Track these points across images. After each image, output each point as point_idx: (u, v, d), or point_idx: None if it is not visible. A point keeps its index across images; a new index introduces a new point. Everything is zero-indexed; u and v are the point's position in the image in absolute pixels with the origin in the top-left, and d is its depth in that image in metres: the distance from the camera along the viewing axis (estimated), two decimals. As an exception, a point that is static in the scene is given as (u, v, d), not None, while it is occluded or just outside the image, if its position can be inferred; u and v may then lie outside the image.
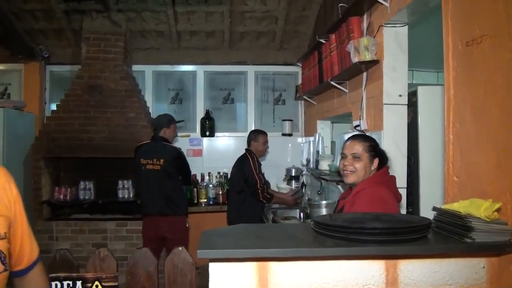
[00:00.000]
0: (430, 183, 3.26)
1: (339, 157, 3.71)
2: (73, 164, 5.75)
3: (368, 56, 3.22)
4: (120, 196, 5.56)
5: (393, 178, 2.57)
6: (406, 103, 3.22)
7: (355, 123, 3.56)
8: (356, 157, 2.46)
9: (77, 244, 5.20)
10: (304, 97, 5.36)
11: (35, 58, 5.80)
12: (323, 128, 5.31)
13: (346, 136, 3.57)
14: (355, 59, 3.29)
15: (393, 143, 3.19)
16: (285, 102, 6.22)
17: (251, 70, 6.12)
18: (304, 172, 5.25)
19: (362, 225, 1.71)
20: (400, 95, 3.20)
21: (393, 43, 3.20)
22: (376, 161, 2.50)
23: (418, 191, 3.31)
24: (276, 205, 4.99)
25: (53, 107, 5.49)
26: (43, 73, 5.93)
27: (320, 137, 4.81)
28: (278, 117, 6.17)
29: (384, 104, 3.18)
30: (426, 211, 3.42)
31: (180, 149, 4.49)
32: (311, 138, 5.14)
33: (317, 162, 4.67)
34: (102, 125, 5.27)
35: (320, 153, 4.71)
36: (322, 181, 4.83)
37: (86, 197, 5.54)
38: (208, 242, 1.62)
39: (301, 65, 5.58)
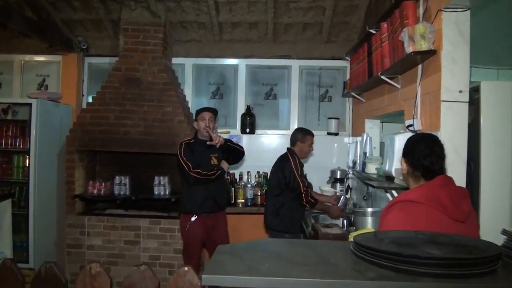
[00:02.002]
0: (493, 195, 2.84)
1: (387, 161, 3.35)
2: (109, 159, 5.60)
3: (424, 46, 2.82)
4: (156, 192, 5.36)
5: (431, 205, 1.99)
6: (467, 100, 2.79)
7: (407, 122, 3.16)
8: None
9: (108, 240, 5.05)
10: (352, 93, 4.96)
11: (73, 49, 5.68)
12: (372, 127, 4.90)
13: (398, 138, 3.20)
14: (409, 49, 2.89)
15: (451, 147, 2.77)
16: (331, 99, 5.83)
17: (295, 65, 5.76)
18: (349, 175, 4.86)
19: (415, 251, 1.35)
20: (460, 91, 2.78)
21: (453, 31, 2.80)
22: (403, 162, 2.20)
23: (478, 205, 2.88)
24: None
25: (91, 99, 5.33)
26: (81, 65, 5.80)
27: (368, 138, 4.44)
28: (323, 115, 5.79)
29: (442, 101, 2.78)
30: (488, 231, 2.99)
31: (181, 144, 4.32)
32: (359, 138, 4.76)
33: (364, 164, 4.29)
34: (138, 119, 5.07)
35: (367, 155, 4.32)
36: (368, 185, 4.45)
37: (121, 193, 5.37)
38: (218, 264, 1.31)
39: (349, 59, 5.19)
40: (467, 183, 2.84)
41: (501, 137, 2.75)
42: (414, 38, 2.85)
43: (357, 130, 5.34)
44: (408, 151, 2.17)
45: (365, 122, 4.91)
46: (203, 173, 4.13)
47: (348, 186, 5.10)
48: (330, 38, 5.55)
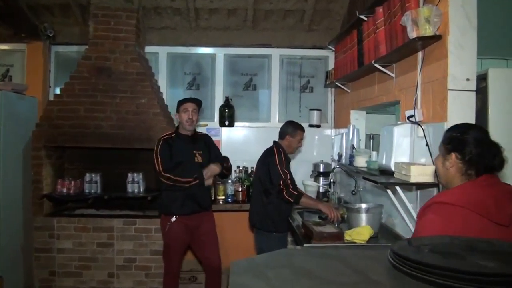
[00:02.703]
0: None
1: (384, 154, 3.15)
2: (79, 155, 5.24)
3: (429, 30, 2.62)
4: (130, 190, 5.04)
5: (482, 210, 1.75)
6: (475, 89, 2.61)
7: (408, 113, 2.95)
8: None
9: (80, 243, 4.71)
10: (337, 83, 4.75)
11: (39, 37, 5.23)
12: (358, 119, 4.71)
13: (396, 129, 3.00)
14: (412, 34, 2.68)
15: (459, 139, 2.58)
16: (313, 90, 5.61)
17: (276, 54, 5.51)
18: (336, 169, 4.66)
19: (477, 268, 1.13)
20: (467, 79, 2.60)
21: (460, 14, 2.60)
22: (452, 157, 1.89)
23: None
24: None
25: (58, 91, 4.95)
26: (47, 54, 5.37)
27: (356, 129, 4.23)
28: (305, 106, 5.57)
29: (449, 90, 2.59)
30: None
31: (159, 140, 4.04)
32: (344, 130, 4.56)
33: (351, 157, 4.09)
34: (110, 112, 4.74)
35: (355, 147, 4.13)
36: (357, 179, 4.26)
37: (92, 191, 5.03)
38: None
39: (333, 48, 4.97)
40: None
41: (510, 127, 2.58)
42: (418, 22, 2.64)
43: (340, 121, 5.15)
44: (465, 146, 1.87)
45: (350, 113, 4.71)
46: (175, 178, 3.81)
47: (331, 180, 4.91)
48: (312, 26, 5.32)
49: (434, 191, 2.66)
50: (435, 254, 1.28)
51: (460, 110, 2.58)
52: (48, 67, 5.42)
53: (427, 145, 2.76)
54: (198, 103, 4.08)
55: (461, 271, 1.09)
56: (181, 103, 4.03)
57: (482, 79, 2.73)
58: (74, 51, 5.35)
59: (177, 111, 4.05)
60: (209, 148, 4.14)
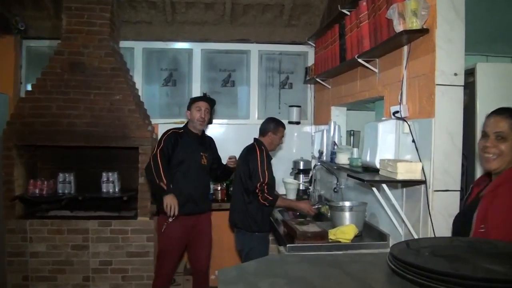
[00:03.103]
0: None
1: (369, 151, 3.07)
2: (52, 154, 5.03)
3: (416, 24, 2.54)
4: (105, 190, 4.87)
5: None
6: (463, 84, 2.55)
7: (393, 109, 2.88)
8: (501, 137, 1.86)
9: (54, 246, 4.52)
10: (317, 79, 4.66)
11: (10, 31, 5.00)
12: (338, 115, 4.63)
13: (381, 125, 2.93)
14: (399, 27, 2.60)
15: (447, 136, 2.54)
16: (292, 86, 5.52)
17: (254, 49, 5.40)
18: (317, 166, 4.58)
19: (488, 274, 1.04)
20: (455, 74, 2.53)
21: (448, 7, 2.54)
22: None
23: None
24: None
25: (30, 87, 4.74)
26: (18, 49, 5.14)
27: (337, 126, 4.15)
28: (284, 103, 5.48)
29: (437, 85, 2.52)
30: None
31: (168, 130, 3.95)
32: (324, 127, 4.48)
33: (333, 154, 4.01)
34: (84, 109, 4.56)
35: (337, 144, 4.05)
36: (338, 177, 4.19)
37: (66, 192, 4.84)
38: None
39: (313, 43, 4.89)
40: (461, 174, 2.60)
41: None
42: (405, 16, 2.56)
43: (320, 118, 5.07)
44: None
45: (331, 109, 4.63)
46: (156, 167, 3.69)
47: (312, 177, 4.84)
48: (291, 21, 5.22)
49: (422, 188, 2.59)
50: (437, 257, 1.20)
51: (448, 106, 2.52)
52: (19, 63, 5.19)
53: (413, 141, 2.69)
54: (211, 103, 4.02)
55: (473, 278, 1.00)
56: (194, 100, 3.95)
57: (469, 73, 2.67)
58: (46, 45, 5.14)
59: (189, 108, 3.95)
60: (212, 151, 4.07)
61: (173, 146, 3.79)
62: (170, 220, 3.73)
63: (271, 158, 3.87)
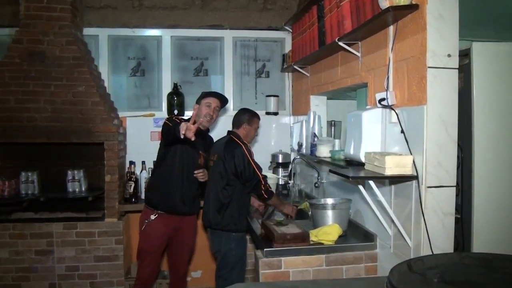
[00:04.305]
0: (488, 180, 2.36)
1: (352, 143, 2.80)
2: (12, 151, 4.65)
3: None
4: (70, 190, 4.55)
5: None
6: (457, 66, 2.28)
7: (378, 96, 2.60)
8: None
9: (16, 252, 4.18)
10: (295, 67, 4.37)
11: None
12: (318, 105, 4.36)
13: (365, 115, 2.65)
14: (385, 3, 2.32)
15: (441, 124, 2.27)
16: (269, 75, 5.22)
17: (228, 36, 5.07)
18: (296, 160, 4.30)
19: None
20: (449, 55, 2.26)
21: (438, -21, 2.25)
22: None
23: (471, 192, 2.41)
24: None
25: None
26: (-25, 39, 4.74)
27: (317, 116, 3.88)
28: (261, 93, 5.18)
29: (429, 67, 2.25)
30: (481, 220, 2.55)
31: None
32: (303, 118, 4.21)
33: (313, 147, 3.74)
34: (44, 102, 4.20)
35: (317, 135, 3.78)
36: (319, 171, 3.92)
37: (29, 192, 4.50)
38: None
39: (290, 29, 4.59)
40: (457, 167, 2.34)
41: (498, 109, 2.28)
42: (391, -10, 2.28)
43: (299, 108, 4.79)
44: None
45: (310, 99, 4.35)
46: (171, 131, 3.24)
47: (291, 170, 4.56)
48: (266, 5, 4.90)
49: (413, 184, 2.33)
50: (448, 285, 0.92)
51: (441, 91, 2.25)
52: (-23, 53, 4.78)
53: (402, 131, 2.42)
54: (223, 101, 3.71)
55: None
56: (205, 95, 3.63)
57: (464, 55, 2.41)
58: (6, 34, 4.70)
59: (198, 102, 3.63)
60: (208, 151, 3.75)
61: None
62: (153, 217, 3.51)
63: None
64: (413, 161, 2.31)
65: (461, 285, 0.95)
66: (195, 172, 3.58)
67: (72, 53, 4.30)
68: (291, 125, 4.87)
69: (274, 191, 4.31)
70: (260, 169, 3.50)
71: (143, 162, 4.59)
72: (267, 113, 5.03)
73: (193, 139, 2.94)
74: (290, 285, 1.15)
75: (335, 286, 1.03)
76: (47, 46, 4.28)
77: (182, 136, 2.94)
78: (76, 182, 4.56)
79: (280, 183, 4.62)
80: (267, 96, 5.07)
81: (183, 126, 2.95)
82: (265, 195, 3.49)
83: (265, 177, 3.53)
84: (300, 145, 4.16)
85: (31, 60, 4.25)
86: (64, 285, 4.23)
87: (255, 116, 3.71)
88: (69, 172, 4.56)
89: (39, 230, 4.20)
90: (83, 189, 4.57)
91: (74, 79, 4.26)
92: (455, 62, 2.26)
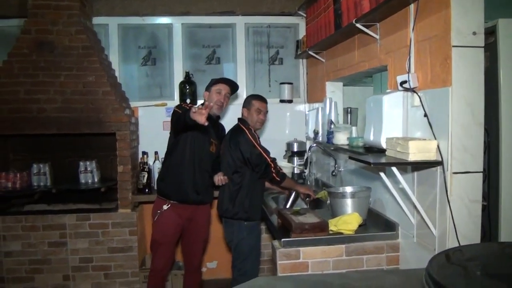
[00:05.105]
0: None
1: (372, 129, 2.69)
2: (24, 143, 4.62)
3: (427, -25, 2.13)
4: (83, 181, 4.50)
5: None
6: (483, 44, 2.15)
7: (400, 78, 2.48)
8: None
9: (29, 244, 4.15)
10: (310, 52, 4.25)
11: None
12: (334, 91, 4.24)
13: (386, 99, 2.54)
14: (406, -20, 2.20)
15: (466, 107, 2.14)
16: (282, 62, 5.10)
17: (240, 22, 4.95)
18: (313, 148, 4.19)
19: None
20: (474, 33, 2.13)
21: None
22: None
23: (498, 178, 2.29)
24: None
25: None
26: (-16, 30, 4.68)
27: (333, 103, 3.76)
28: (274, 80, 5.06)
29: (453, 46, 2.12)
30: (509, 207, 2.42)
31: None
32: (319, 105, 4.09)
33: (330, 134, 3.63)
34: (54, 93, 4.14)
35: (334, 123, 3.66)
36: (336, 159, 3.81)
37: (41, 184, 4.47)
38: None
39: (304, 13, 4.47)
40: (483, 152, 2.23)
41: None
42: (413, -35, 2.16)
43: (314, 95, 4.68)
44: None
45: (325, 85, 4.23)
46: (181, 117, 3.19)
47: (307, 159, 4.46)
48: (279, -11, 4.78)
49: (437, 170, 2.21)
50: (492, 280, 0.82)
51: (467, 71, 2.13)
52: (-14, 45, 4.73)
53: (425, 115, 2.30)
54: (233, 87, 3.59)
55: None
56: (215, 82, 3.52)
57: (489, 33, 2.28)
58: (14, 25, 4.64)
59: (207, 89, 3.54)
60: (220, 140, 3.66)
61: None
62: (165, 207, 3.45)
63: (259, 137, 3.51)
64: (438, 146, 2.19)
65: (507, 278, 0.84)
66: (215, 179, 3.50)
67: (81, 42, 4.23)
68: (306, 112, 4.76)
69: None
70: (267, 152, 3.42)
71: (156, 153, 4.51)
72: (281, 101, 4.94)
73: (206, 123, 2.85)
74: (316, 279, 1.07)
75: (367, 281, 0.94)
76: (56, 36, 4.22)
77: (192, 119, 2.85)
78: (88, 173, 4.52)
79: (296, 172, 4.52)
80: (281, 83, 4.96)
81: (193, 110, 2.86)
82: (277, 178, 3.41)
83: (274, 159, 3.45)
84: (316, 133, 4.05)
85: (40, 50, 4.19)
86: (78, 277, 4.20)
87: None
88: (81, 163, 4.52)
89: (52, 222, 4.16)
90: (96, 180, 4.54)
91: (84, 69, 4.19)
92: (480, 40, 2.13)
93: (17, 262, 4.15)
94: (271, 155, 3.46)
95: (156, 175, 4.37)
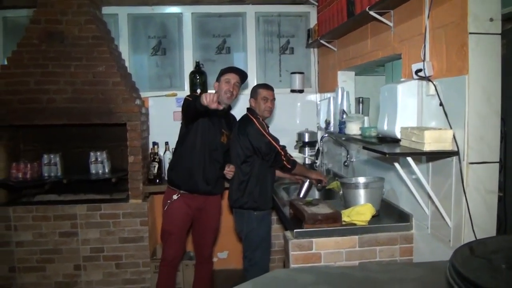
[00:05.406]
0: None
1: (386, 118, 2.65)
2: (34, 134, 4.63)
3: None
4: (93, 171, 4.51)
5: None
6: (500, 31, 2.09)
7: (415, 66, 2.42)
8: None
9: (40, 234, 4.18)
10: (322, 41, 4.20)
11: (-17, 0, 4.52)
12: (346, 81, 4.17)
13: (400, 88, 2.49)
14: (422, -35, 2.14)
15: (483, 95, 2.09)
16: (293, 51, 5.04)
17: (250, 11, 4.89)
18: (325, 138, 4.15)
19: None
20: (491, 19, 2.07)
21: None
22: None
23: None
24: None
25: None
26: (-6, 20, 4.67)
27: (345, 92, 3.72)
28: (285, 70, 5.01)
29: (470, 33, 2.06)
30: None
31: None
32: (331, 94, 4.05)
33: (342, 124, 3.58)
34: (64, 83, 4.14)
35: (346, 112, 3.62)
36: (349, 149, 3.78)
37: (52, 174, 4.49)
38: None
39: (315, 1, 4.41)
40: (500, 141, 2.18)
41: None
42: (429, -51, 2.10)
43: (326, 85, 4.62)
44: None
45: (337, 75, 4.18)
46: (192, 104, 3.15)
47: (318, 149, 4.42)
48: (289, -22, 4.72)
49: (453, 160, 2.17)
50: None
51: (484, 59, 2.07)
52: (-4, 35, 4.72)
53: (441, 104, 2.25)
54: (242, 76, 3.56)
55: None
56: (223, 72, 3.50)
57: (505, 20, 2.22)
58: (24, 15, 4.64)
59: (217, 80, 3.52)
60: (231, 130, 3.64)
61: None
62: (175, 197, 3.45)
63: (268, 127, 3.48)
64: (454, 136, 2.15)
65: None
66: (226, 170, 3.49)
67: (91, 32, 4.21)
68: (318, 102, 4.71)
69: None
70: (276, 140, 3.40)
71: (166, 143, 4.49)
72: (292, 91, 4.89)
73: (220, 107, 2.84)
74: (338, 271, 1.04)
75: (389, 273, 0.91)
76: (65, 25, 4.22)
77: (204, 103, 2.83)
78: (99, 164, 4.53)
79: (307, 162, 4.49)
80: (292, 73, 4.91)
81: (204, 95, 2.85)
82: (288, 165, 3.40)
83: (284, 147, 3.42)
84: (327, 123, 4.01)
85: (49, 40, 4.18)
86: (89, 267, 4.22)
87: (258, 87, 3.64)
88: (92, 154, 4.53)
89: (63, 212, 4.18)
90: (106, 170, 4.54)
91: (93, 59, 4.18)
92: (497, 27, 2.07)
93: (29, 252, 4.17)
94: (282, 145, 3.44)
95: (167, 166, 4.35)
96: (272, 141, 3.36)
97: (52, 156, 4.50)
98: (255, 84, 4.62)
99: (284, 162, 3.37)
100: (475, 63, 2.06)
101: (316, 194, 3.87)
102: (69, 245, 4.19)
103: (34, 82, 4.13)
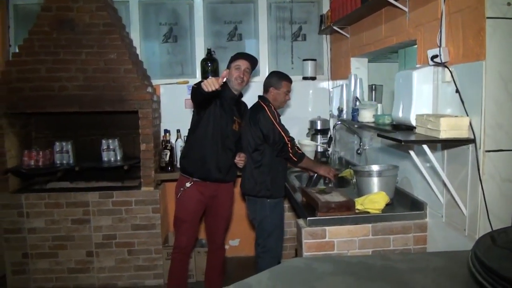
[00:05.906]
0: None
1: (401, 105, 2.61)
2: (46, 121, 4.65)
3: None
4: (105, 159, 4.51)
5: None
6: (518, 15, 2.04)
7: (431, 52, 2.38)
8: None
9: (52, 221, 4.20)
10: (334, 28, 4.15)
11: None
12: (359, 68, 4.12)
13: (416, 74, 2.45)
14: None
15: (500, 82, 2.05)
16: (306, 38, 4.98)
17: (262, -3, 4.84)
18: (337, 125, 4.11)
19: None
20: (509, 3, 2.02)
21: None
22: None
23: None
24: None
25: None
26: (5, 8, 4.66)
27: (358, 79, 3.67)
28: (297, 57, 4.96)
29: (487, 18, 2.01)
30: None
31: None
32: (343, 82, 4.00)
33: (355, 111, 3.55)
34: (75, 70, 4.14)
35: (359, 100, 3.58)
36: (361, 137, 3.74)
37: (64, 162, 4.49)
38: None
39: (328, -14, 4.36)
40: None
41: None
42: None
43: (338, 72, 4.58)
44: None
45: (350, 61, 4.13)
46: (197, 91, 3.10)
47: (330, 137, 4.38)
48: (302, -37, 4.66)
49: (469, 148, 2.13)
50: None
51: (501, 44, 2.02)
52: (7, 23, 4.72)
53: (457, 91, 2.21)
54: (252, 62, 3.51)
55: None
56: (233, 58, 3.47)
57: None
58: (35, 2, 4.62)
59: (228, 67, 3.48)
60: (243, 118, 3.60)
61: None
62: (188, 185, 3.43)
63: (280, 115, 3.46)
64: (470, 123, 2.11)
65: None
66: (237, 157, 3.45)
67: (102, 19, 4.20)
68: (330, 89, 4.67)
69: (313, 159, 4.18)
70: (286, 131, 3.37)
71: (178, 131, 4.48)
72: (304, 78, 4.85)
73: (218, 86, 2.83)
74: (357, 260, 1.03)
75: (409, 263, 0.89)
76: (76, 13, 4.21)
77: (206, 89, 2.82)
78: (111, 151, 4.53)
79: (319, 150, 4.45)
80: (304, 60, 4.86)
81: (203, 83, 2.84)
82: (294, 158, 3.37)
83: (292, 139, 3.39)
84: (340, 111, 3.97)
85: (60, 28, 4.18)
86: (101, 253, 4.24)
87: (283, 78, 3.51)
88: (104, 141, 4.52)
89: (75, 199, 4.19)
90: (118, 158, 4.54)
91: (105, 46, 4.17)
92: (515, 10, 2.02)
93: (41, 238, 4.20)
94: (294, 133, 3.42)
95: (178, 153, 4.35)
96: (281, 131, 3.33)
97: (64, 144, 4.50)
98: (267, 71, 4.60)
99: (290, 154, 3.35)
100: (492, 48, 2.01)
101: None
102: (82, 232, 4.21)
103: (45, 69, 4.14)
